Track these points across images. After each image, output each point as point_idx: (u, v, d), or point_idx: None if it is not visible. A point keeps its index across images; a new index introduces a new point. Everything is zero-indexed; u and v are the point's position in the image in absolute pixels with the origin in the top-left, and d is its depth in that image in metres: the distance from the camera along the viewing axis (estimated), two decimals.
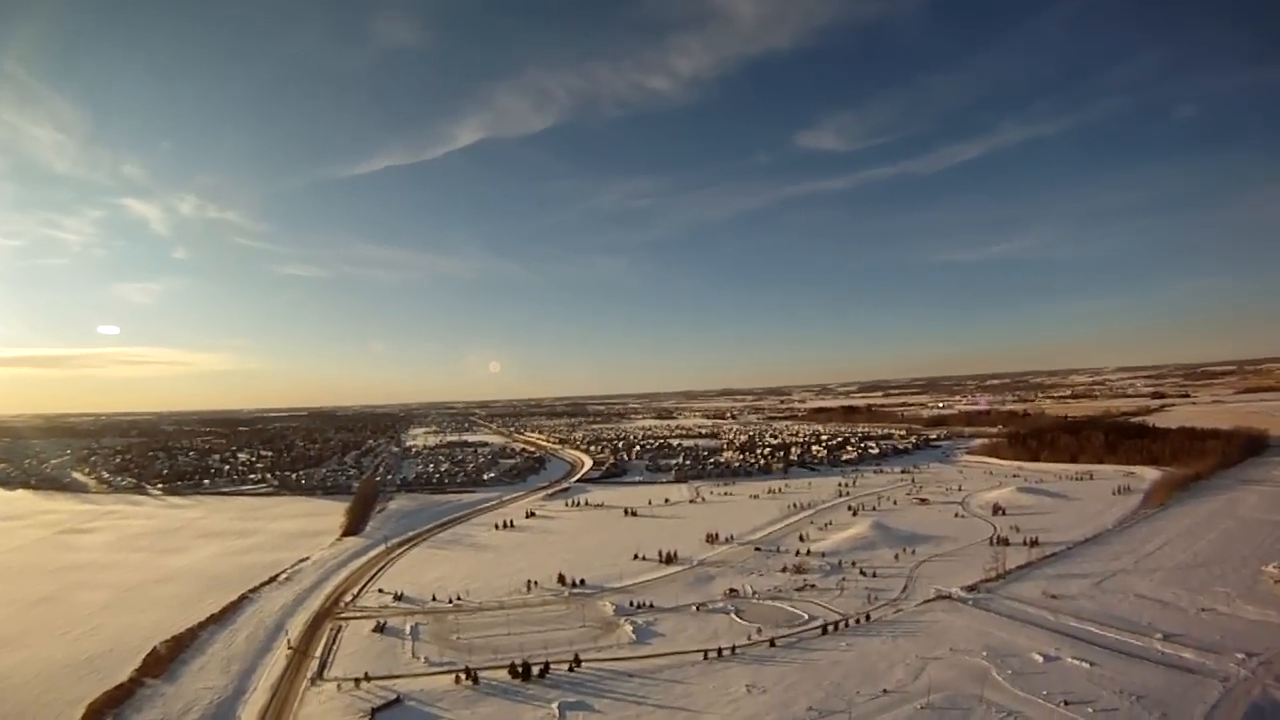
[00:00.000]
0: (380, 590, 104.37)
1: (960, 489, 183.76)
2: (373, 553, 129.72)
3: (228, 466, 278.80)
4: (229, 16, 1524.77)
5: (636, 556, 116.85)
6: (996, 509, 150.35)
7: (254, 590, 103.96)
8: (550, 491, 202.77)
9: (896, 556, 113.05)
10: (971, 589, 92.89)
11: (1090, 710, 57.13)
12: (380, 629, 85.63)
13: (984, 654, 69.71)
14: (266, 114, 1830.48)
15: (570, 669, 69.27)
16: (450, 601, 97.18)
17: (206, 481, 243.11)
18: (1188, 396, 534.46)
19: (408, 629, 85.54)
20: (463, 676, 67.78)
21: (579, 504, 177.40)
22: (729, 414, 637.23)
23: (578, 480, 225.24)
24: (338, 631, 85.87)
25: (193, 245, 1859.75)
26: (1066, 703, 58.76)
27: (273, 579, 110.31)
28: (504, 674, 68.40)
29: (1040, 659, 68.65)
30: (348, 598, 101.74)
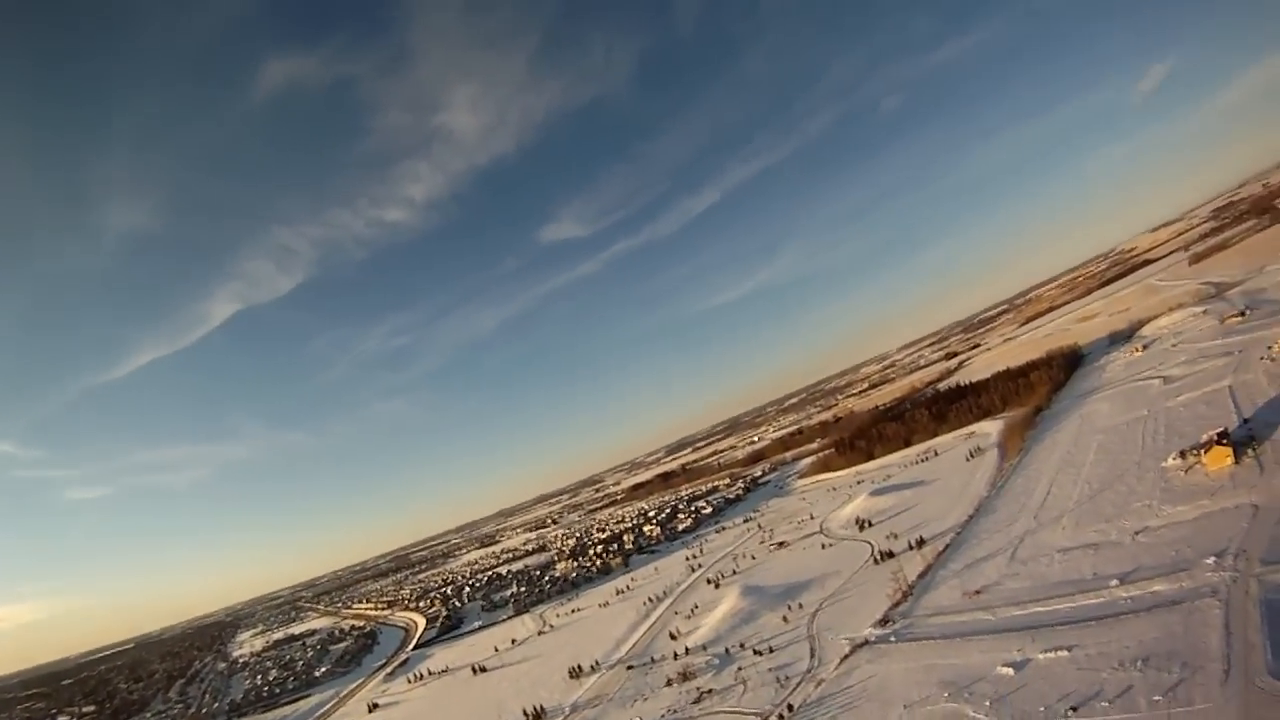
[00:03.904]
0: None
1: (812, 516, 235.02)
2: None
3: None
4: None
5: None
6: (860, 523, 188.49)
7: None
8: (389, 670, 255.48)
9: (784, 618, 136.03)
10: (884, 623, 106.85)
11: (1105, 705, 64.43)
12: None
13: (945, 696, 76.30)
14: (7, 335, 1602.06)
15: None
16: None
17: None
18: (979, 346, 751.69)
19: None
20: None
21: (422, 676, 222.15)
22: (550, 520, 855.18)
23: (415, 647, 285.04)
24: None
25: None
26: (1074, 709, 65.66)
27: None
28: None
29: (1011, 671, 76.93)
30: None
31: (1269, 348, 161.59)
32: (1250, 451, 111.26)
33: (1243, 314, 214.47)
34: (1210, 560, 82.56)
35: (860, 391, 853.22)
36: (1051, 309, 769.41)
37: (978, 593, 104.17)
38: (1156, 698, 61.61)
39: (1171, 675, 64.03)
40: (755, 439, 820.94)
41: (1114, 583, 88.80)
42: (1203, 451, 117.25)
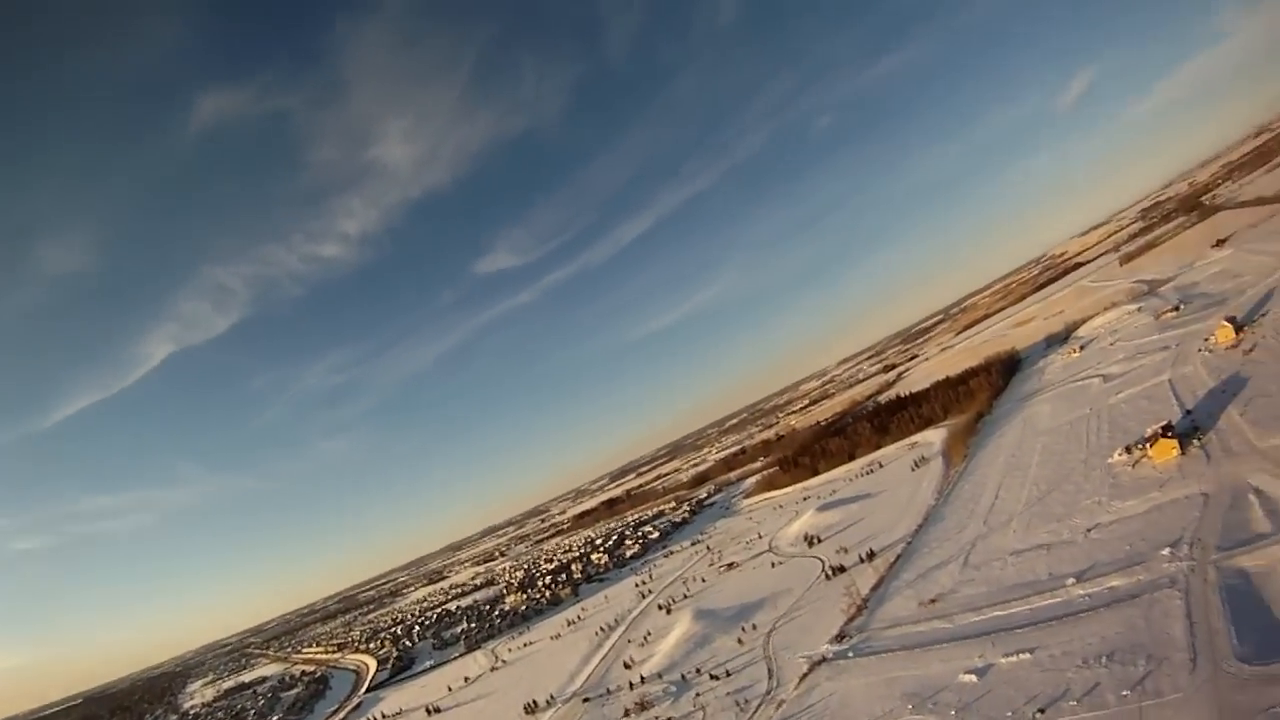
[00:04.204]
0: None
1: (760, 536, 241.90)
2: None
3: None
4: None
5: None
6: (809, 539, 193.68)
7: None
8: (342, 716, 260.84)
9: (739, 640, 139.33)
10: (841, 638, 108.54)
11: (1073, 704, 65.04)
12: None
13: (909, 708, 76.69)
14: None
15: None
16: None
17: None
18: (917, 357, 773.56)
19: None
20: None
21: None
22: (498, 553, 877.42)
23: (367, 690, 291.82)
24: None
25: None
26: (1041, 711, 66.24)
27: None
28: None
29: (974, 678, 77.63)
30: None
31: (1205, 339, 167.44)
32: (1196, 441, 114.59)
33: (1177, 309, 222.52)
34: (1166, 551, 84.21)
35: (801, 408, 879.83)
36: (987, 316, 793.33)
37: (933, 601, 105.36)
38: (1125, 692, 62.13)
39: (1138, 669, 64.80)
40: (699, 461, 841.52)
41: (1070, 581, 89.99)
42: (1148, 445, 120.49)
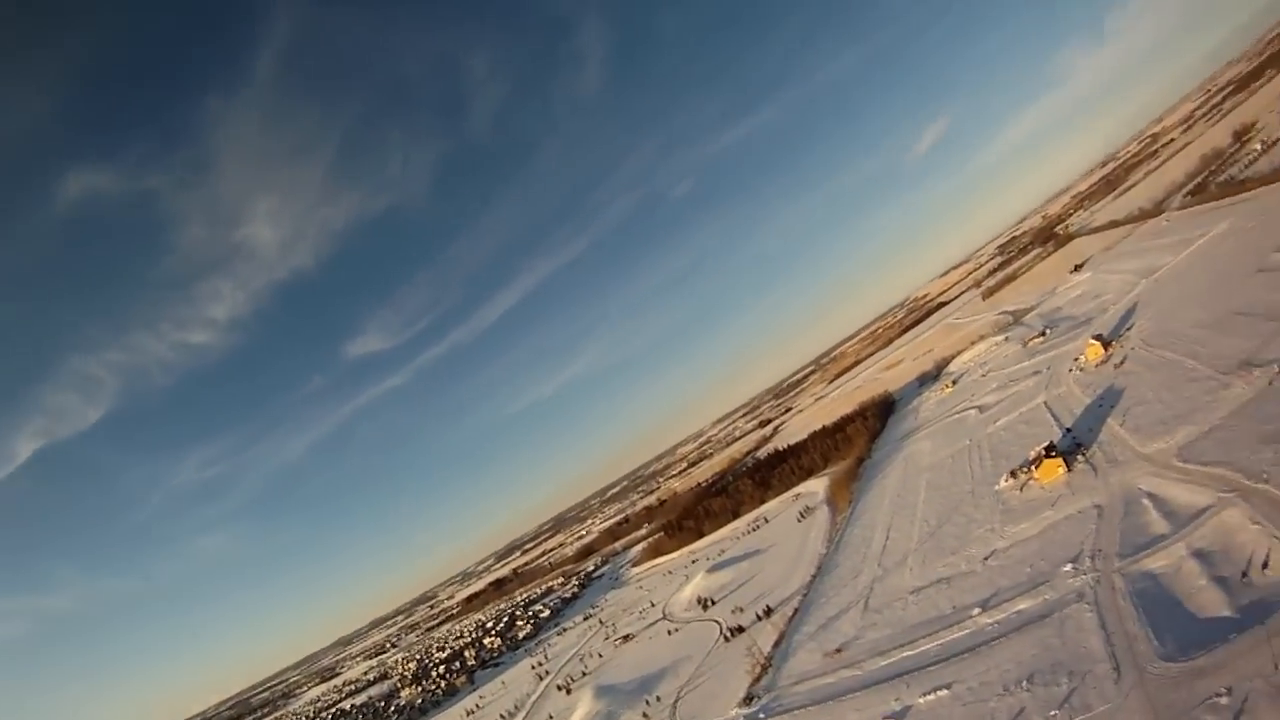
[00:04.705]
0: None
1: (652, 604, 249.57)
2: None
3: None
4: None
5: None
6: (702, 603, 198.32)
7: None
8: None
9: (645, 715, 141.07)
10: (749, 700, 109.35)
11: None
12: None
13: None
14: None
15: None
16: None
17: None
18: (792, 409, 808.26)
19: None
20: None
21: None
22: (389, 644, 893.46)
23: None
24: None
25: None
26: None
27: None
28: None
29: None
30: None
31: (1076, 359, 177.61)
32: (1080, 457, 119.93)
33: (1043, 334, 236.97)
34: (1068, 567, 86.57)
35: (681, 471, 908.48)
36: (857, 363, 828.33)
37: (838, 651, 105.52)
38: (1053, 713, 62.44)
39: (1061, 688, 65.44)
40: (583, 533, 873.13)
41: (976, 611, 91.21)
42: (1033, 468, 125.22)
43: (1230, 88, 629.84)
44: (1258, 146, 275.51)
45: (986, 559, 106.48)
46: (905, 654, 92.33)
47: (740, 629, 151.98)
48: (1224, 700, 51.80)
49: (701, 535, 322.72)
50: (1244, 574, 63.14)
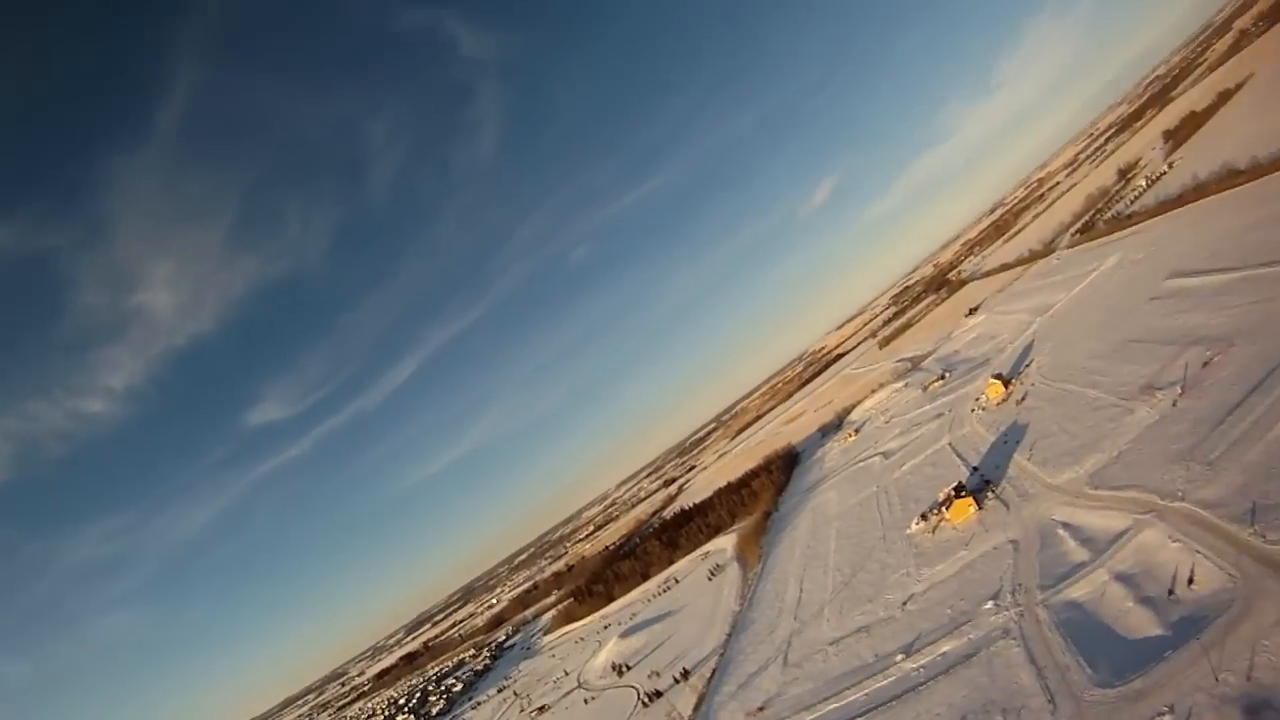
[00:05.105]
0: None
1: (566, 673, 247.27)
2: None
3: None
4: None
5: None
6: (617, 669, 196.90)
7: None
8: None
9: None
10: None
11: None
12: None
13: None
14: None
15: None
16: None
17: None
18: (696, 467, 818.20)
19: None
20: None
21: None
22: None
23: None
24: None
25: None
26: None
27: None
28: None
29: None
30: None
31: (977, 399, 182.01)
32: (990, 494, 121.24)
33: (942, 377, 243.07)
34: (989, 605, 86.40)
35: (588, 535, 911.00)
36: (759, 417, 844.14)
37: (761, 709, 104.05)
38: None
39: None
40: (493, 601, 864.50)
41: (900, 658, 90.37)
42: (944, 509, 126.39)
43: (1113, 130, 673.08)
44: (1142, 183, 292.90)
45: (905, 604, 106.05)
46: (831, 707, 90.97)
47: (658, 693, 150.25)
48: (1168, 718, 51.43)
49: (612, 599, 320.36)
50: (1170, 591, 63.69)
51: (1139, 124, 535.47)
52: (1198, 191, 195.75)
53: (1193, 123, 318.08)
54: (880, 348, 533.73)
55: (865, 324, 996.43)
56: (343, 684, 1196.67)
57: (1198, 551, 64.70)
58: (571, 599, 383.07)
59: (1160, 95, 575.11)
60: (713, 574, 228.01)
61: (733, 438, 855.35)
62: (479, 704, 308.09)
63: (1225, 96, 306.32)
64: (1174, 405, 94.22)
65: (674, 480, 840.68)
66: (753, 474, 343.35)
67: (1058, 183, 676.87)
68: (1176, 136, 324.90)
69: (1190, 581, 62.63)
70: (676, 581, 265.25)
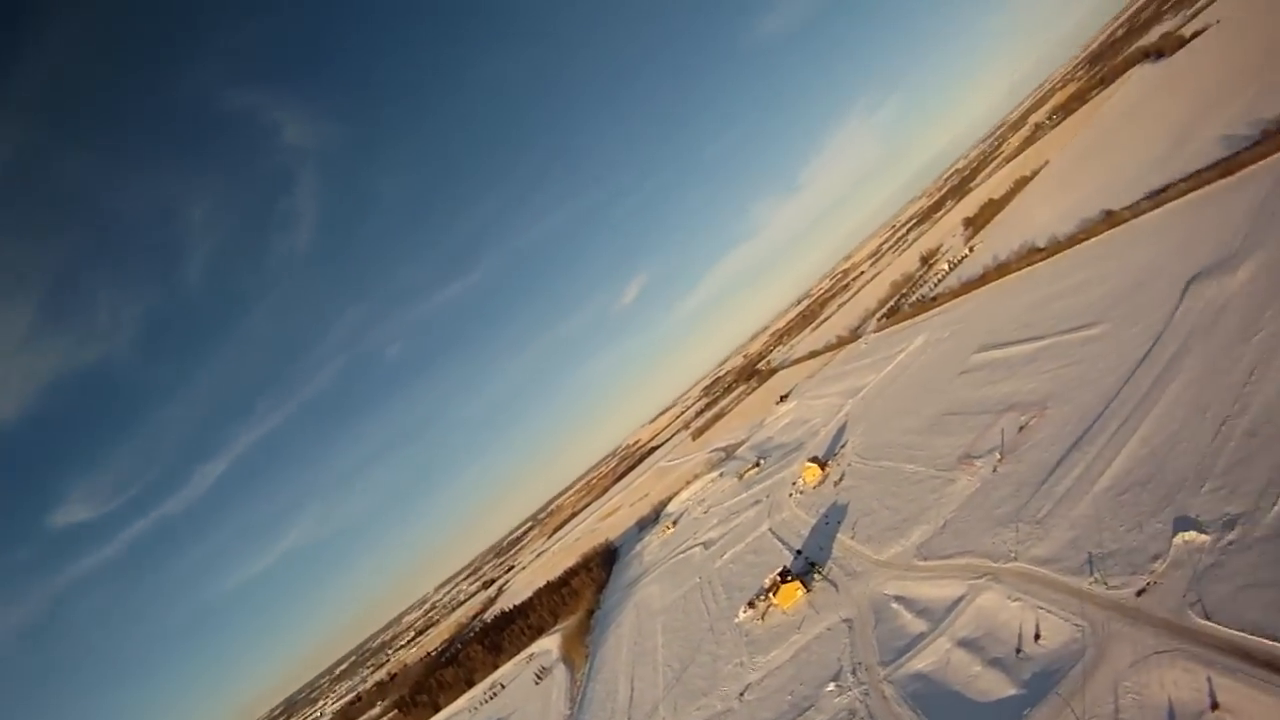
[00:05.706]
0: None
1: None
2: None
3: None
4: None
5: None
6: None
7: None
8: None
9: None
10: None
11: None
12: None
13: None
14: None
15: None
16: None
17: None
18: (514, 567, 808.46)
19: None
20: None
21: None
22: None
23: None
24: None
25: None
26: None
27: None
28: None
29: None
30: None
31: (794, 483, 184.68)
32: (817, 576, 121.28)
33: (758, 464, 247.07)
34: (831, 686, 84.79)
35: (409, 640, 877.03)
36: (575, 514, 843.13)
37: None
38: None
39: None
40: (316, 715, 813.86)
41: None
42: (771, 594, 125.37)
43: (914, 221, 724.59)
44: (945, 266, 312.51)
45: (742, 694, 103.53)
46: None
47: None
48: None
49: (438, 709, 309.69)
50: (1018, 650, 63.81)
51: (940, 214, 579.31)
52: (1000, 270, 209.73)
53: (992, 209, 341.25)
54: (693, 439, 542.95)
55: (678, 416, 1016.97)
56: None
57: (1039, 607, 65.13)
58: (396, 710, 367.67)
59: (959, 187, 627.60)
60: (539, 677, 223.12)
61: (549, 536, 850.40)
62: None
63: (1022, 183, 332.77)
64: (994, 471, 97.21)
65: (493, 581, 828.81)
66: (572, 572, 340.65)
67: (862, 272, 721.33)
68: (976, 222, 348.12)
69: (1037, 637, 62.94)
70: (503, 687, 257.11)
